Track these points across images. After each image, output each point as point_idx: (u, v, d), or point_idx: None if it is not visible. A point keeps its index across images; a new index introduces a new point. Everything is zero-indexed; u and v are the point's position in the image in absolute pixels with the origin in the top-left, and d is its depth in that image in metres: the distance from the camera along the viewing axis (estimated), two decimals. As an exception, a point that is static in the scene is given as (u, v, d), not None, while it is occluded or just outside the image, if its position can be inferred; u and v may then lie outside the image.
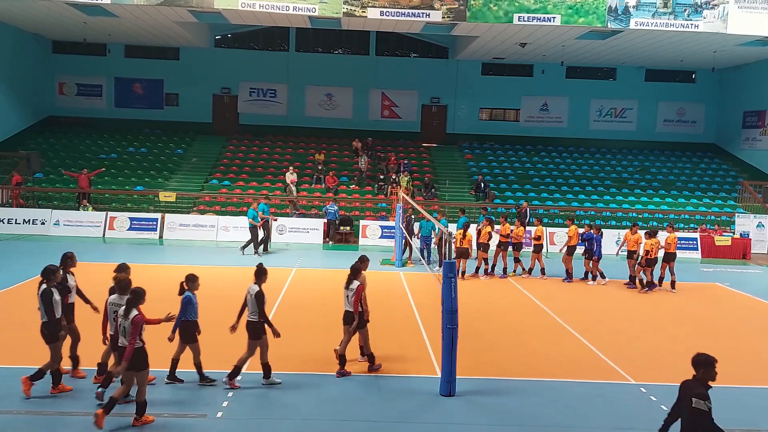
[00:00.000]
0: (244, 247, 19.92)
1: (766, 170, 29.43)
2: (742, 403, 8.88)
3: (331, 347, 9.95)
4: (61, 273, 8.49)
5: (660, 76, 32.74)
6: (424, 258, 18.71)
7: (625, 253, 17.51)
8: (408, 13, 21.91)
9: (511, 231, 17.93)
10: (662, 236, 17.38)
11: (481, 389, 9.09)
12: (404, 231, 19.00)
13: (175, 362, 8.80)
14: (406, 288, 15.88)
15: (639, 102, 33.03)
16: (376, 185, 27.59)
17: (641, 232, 17.06)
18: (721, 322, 13.71)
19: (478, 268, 17.82)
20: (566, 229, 18.52)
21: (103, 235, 22.74)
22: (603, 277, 17.44)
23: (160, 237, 22.84)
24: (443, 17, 22.01)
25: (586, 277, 17.58)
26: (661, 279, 16.92)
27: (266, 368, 8.85)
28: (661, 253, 16.69)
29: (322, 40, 32.20)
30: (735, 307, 15.33)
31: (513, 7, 21.93)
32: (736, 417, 8.16)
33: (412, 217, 20.02)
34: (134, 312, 7.45)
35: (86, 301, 9.02)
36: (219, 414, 7.90)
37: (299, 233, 23.23)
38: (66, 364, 8.69)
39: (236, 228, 22.67)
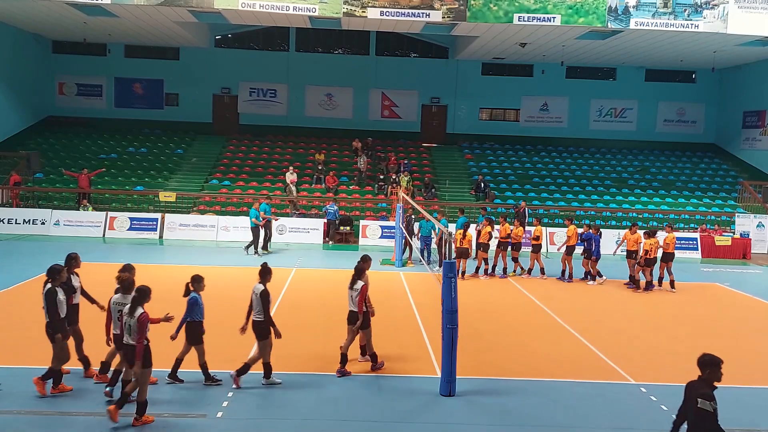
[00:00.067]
0: (248, 247, 19.96)
1: (766, 170, 29.43)
2: (742, 403, 8.88)
3: (331, 347, 9.96)
4: (66, 273, 8.48)
5: (660, 76, 32.74)
6: (424, 258, 18.71)
7: (624, 253, 17.54)
8: (408, 13, 21.92)
9: (511, 231, 17.94)
10: (661, 236, 17.41)
11: (481, 389, 9.09)
12: (404, 231, 18.99)
13: (178, 362, 8.80)
14: (406, 288, 15.88)
15: (639, 102, 33.02)
16: (376, 185, 27.58)
17: (640, 232, 17.08)
18: (721, 322, 13.71)
19: (478, 268, 17.82)
20: (566, 229, 18.53)
21: (103, 235, 22.74)
22: (600, 276, 17.46)
23: (160, 237, 22.84)
24: (443, 17, 22.01)
25: (585, 277, 17.60)
26: (660, 279, 16.93)
27: (267, 368, 8.86)
28: (659, 253, 16.70)
29: (322, 40, 32.20)
30: (735, 307, 15.34)
31: (513, 7, 21.94)
32: (736, 417, 8.15)
33: (412, 217, 20.01)
34: (140, 310, 7.46)
35: (92, 301, 9.01)
36: (219, 414, 7.90)
37: (299, 233, 23.23)
38: (77, 366, 8.72)
39: (236, 228, 22.69)
